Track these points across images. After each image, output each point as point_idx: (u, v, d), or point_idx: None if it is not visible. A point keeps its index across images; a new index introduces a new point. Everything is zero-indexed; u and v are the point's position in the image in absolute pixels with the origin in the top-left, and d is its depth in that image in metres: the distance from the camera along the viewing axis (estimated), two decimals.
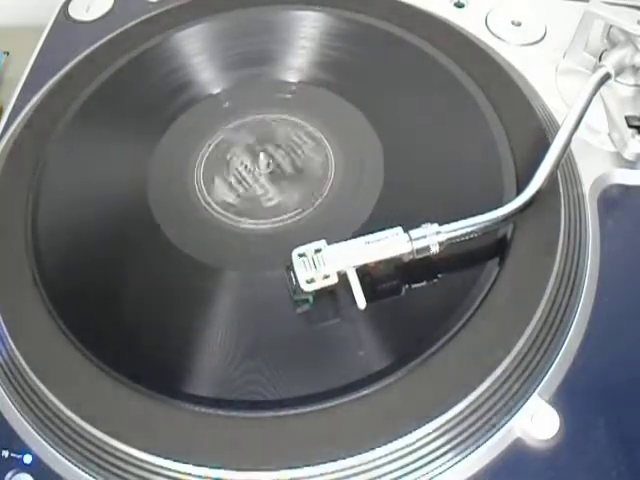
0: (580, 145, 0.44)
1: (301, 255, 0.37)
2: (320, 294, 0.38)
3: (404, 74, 0.50)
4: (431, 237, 0.37)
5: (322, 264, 0.37)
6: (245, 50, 0.53)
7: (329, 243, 0.38)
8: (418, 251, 0.37)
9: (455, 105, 0.47)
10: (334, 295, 0.39)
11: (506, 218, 0.38)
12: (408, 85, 0.49)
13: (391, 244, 0.37)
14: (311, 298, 0.38)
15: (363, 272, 0.38)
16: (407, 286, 0.39)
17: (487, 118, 0.45)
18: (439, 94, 0.48)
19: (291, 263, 0.37)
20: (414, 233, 0.37)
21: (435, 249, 0.37)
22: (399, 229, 0.38)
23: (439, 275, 0.40)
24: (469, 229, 0.38)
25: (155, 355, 0.38)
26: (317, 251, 0.37)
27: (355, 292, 0.36)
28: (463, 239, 0.38)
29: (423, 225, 0.38)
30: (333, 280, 0.37)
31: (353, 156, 0.46)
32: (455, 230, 0.38)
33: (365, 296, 0.36)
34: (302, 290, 0.37)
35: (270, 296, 0.40)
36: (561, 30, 0.51)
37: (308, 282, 0.37)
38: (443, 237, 0.37)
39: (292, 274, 0.37)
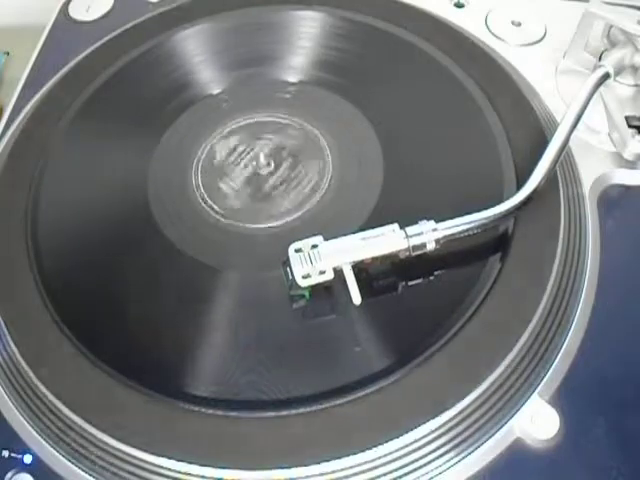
0: (580, 145, 0.44)
1: (297, 250, 0.37)
2: (319, 292, 0.38)
3: (404, 74, 0.50)
4: (427, 234, 0.37)
5: (318, 260, 0.37)
6: (245, 50, 0.53)
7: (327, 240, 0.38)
8: (414, 248, 0.37)
9: (455, 105, 0.47)
10: (333, 293, 0.39)
11: (503, 215, 0.38)
12: (408, 85, 0.49)
13: (387, 241, 0.37)
14: (307, 293, 0.39)
15: (359, 268, 0.38)
16: (405, 283, 0.39)
17: (487, 118, 0.45)
18: (439, 94, 0.48)
19: (287, 258, 0.37)
20: (410, 230, 0.37)
21: (431, 246, 0.37)
22: (395, 226, 0.38)
23: (438, 273, 0.40)
24: (466, 226, 0.38)
25: (155, 355, 0.38)
26: (313, 247, 0.37)
27: (350, 288, 0.36)
28: (461, 236, 0.38)
29: (420, 222, 0.38)
30: (329, 276, 0.37)
31: (353, 155, 0.46)
32: (452, 227, 0.38)
33: (362, 293, 0.36)
34: (298, 285, 0.37)
35: (270, 296, 0.40)
36: (561, 30, 0.51)
37: (304, 277, 0.37)
38: (440, 234, 0.37)
39: (288, 269, 0.37)
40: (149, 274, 0.42)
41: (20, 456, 0.36)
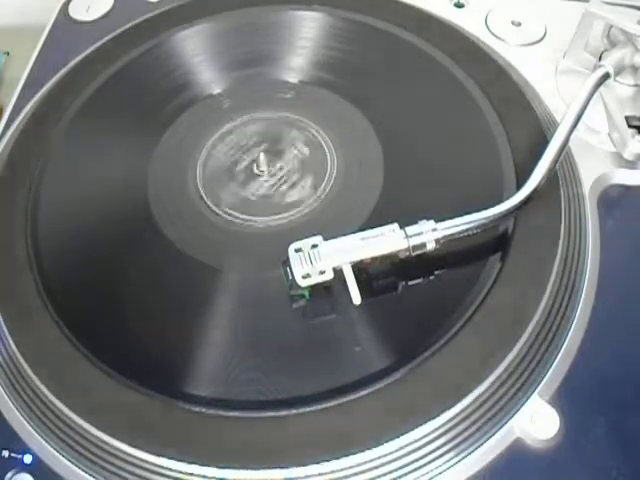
0: (580, 145, 0.44)
1: (297, 250, 0.37)
2: (319, 292, 0.38)
3: (404, 74, 0.50)
4: (427, 234, 0.37)
5: (318, 260, 0.37)
6: (245, 50, 0.53)
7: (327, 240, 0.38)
8: (414, 248, 0.37)
9: (455, 105, 0.47)
10: (333, 293, 0.39)
11: (503, 215, 0.38)
12: (408, 85, 0.49)
13: (387, 240, 0.37)
14: (307, 293, 0.39)
15: (359, 268, 0.38)
16: (405, 283, 0.39)
17: (487, 118, 0.45)
18: (439, 94, 0.48)
19: (287, 258, 0.37)
20: (410, 230, 0.37)
21: (431, 246, 0.37)
22: (395, 225, 0.38)
23: (438, 273, 0.40)
24: (466, 226, 0.38)
25: (155, 355, 0.38)
26: (313, 246, 0.37)
27: (350, 288, 0.36)
28: (461, 236, 0.38)
29: (419, 222, 0.38)
30: (329, 276, 0.37)
31: (353, 156, 0.46)
32: (452, 227, 0.38)
33: (362, 293, 0.36)
34: (298, 285, 0.37)
35: (270, 296, 0.40)
36: (561, 30, 0.51)
37: (304, 277, 0.37)
38: (439, 234, 0.37)
39: (288, 269, 0.37)
40: (149, 274, 0.42)
41: (20, 456, 0.36)
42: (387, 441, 0.33)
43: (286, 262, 0.38)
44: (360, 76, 0.50)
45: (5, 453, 0.36)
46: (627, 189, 0.44)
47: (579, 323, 0.38)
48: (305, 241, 0.38)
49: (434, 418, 0.34)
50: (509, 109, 0.45)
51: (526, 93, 0.46)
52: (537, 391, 0.36)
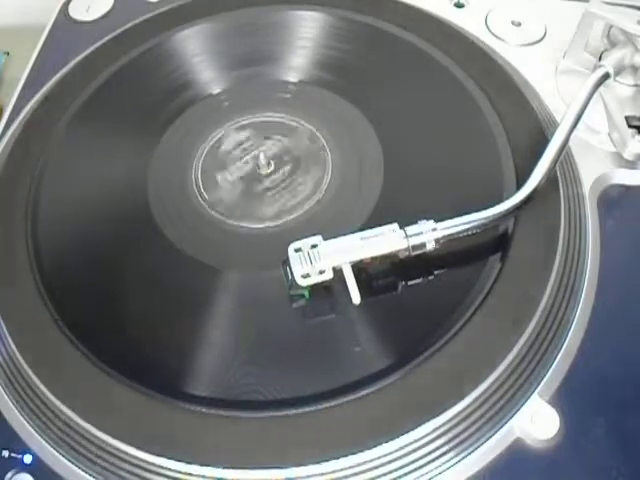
0: (580, 145, 0.45)
1: (297, 250, 0.37)
2: (319, 292, 0.38)
3: (404, 74, 0.50)
4: (427, 234, 0.37)
5: (318, 259, 0.37)
6: (245, 50, 0.53)
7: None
8: (414, 247, 0.37)
9: (455, 105, 0.47)
10: (333, 292, 0.39)
11: (503, 215, 0.38)
12: (408, 85, 0.49)
13: (387, 240, 0.37)
14: (307, 293, 0.39)
15: (359, 268, 0.38)
16: (405, 283, 0.39)
17: (487, 118, 0.45)
18: (439, 94, 0.48)
19: (287, 258, 0.37)
20: (410, 229, 0.37)
21: (431, 246, 0.37)
22: (395, 225, 0.38)
23: (438, 273, 0.40)
24: (466, 226, 0.38)
25: (155, 355, 0.38)
26: (313, 246, 0.37)
27: (350, 287, 0.36)
28: (460, 236, 0.38)
29: (419, 222, 0.38)
30: (328, 275, 0.37)
31: (353, 156, 0.46)
32: (451, 227, 0.38)
33: (362, 293, 0.36)
34: (298, 285, 0.37)
35: (270, 296, 0.40)
36: (561, 30, 0.51)
37: (303, 277, 0.37)
38: (439, 234, 0.37)
39: (288, 269, 0.37)
40: (149, 274, 0.42)
41: (20, 456, 0.36)
42: (387, 441, 0.33)
43: (286, 262, 0.38)
44: (360, 76, 0.50)
45: (5, 453, 0.36)
46: (627, 189, 0.44)
47: (579, 323, 0.38)
48: (305, 241, 0.38)
49: (434, 418, 0.34)
50: (509, 109, 0.45)
51: (526, 93, 0.46)
52: (537, 391, 0.36)
